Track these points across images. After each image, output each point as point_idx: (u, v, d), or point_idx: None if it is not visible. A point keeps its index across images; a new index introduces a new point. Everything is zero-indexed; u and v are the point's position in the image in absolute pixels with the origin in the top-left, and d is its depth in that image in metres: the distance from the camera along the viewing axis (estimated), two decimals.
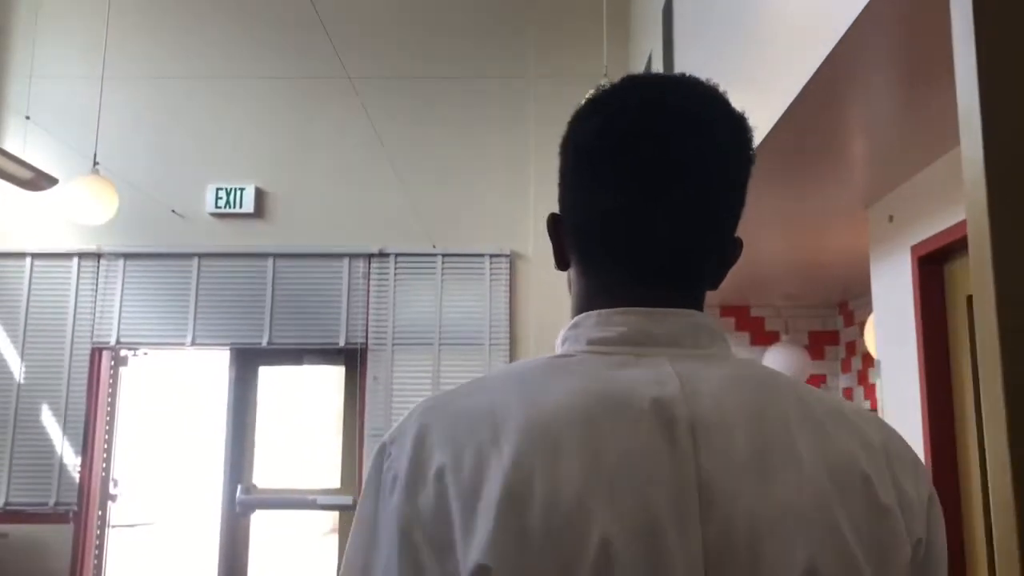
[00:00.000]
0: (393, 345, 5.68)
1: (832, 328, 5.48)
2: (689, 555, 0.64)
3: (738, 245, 0.83)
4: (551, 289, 5.56)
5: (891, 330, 3.00)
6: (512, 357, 5.63)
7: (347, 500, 5.62)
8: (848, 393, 5.27)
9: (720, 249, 0.81)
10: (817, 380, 5.38)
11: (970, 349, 2.57)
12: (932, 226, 2.72)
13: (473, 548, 0.63)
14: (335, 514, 5.90)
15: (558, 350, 0.79)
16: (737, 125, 0.82)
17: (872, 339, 3.45)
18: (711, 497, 0.66)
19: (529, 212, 5.78)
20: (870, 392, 4.92)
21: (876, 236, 3.12)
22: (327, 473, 5.82)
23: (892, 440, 0.74)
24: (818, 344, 5.43)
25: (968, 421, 2.58)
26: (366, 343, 5.68)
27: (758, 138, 2.68)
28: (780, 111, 2.40)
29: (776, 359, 5.05)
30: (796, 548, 0.65)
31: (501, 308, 5.68)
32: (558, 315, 5.59)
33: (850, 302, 5.25)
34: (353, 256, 5.76)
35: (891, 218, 2.99)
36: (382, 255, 5.76)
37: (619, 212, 0.77)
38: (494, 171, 5.86)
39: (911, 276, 2.81)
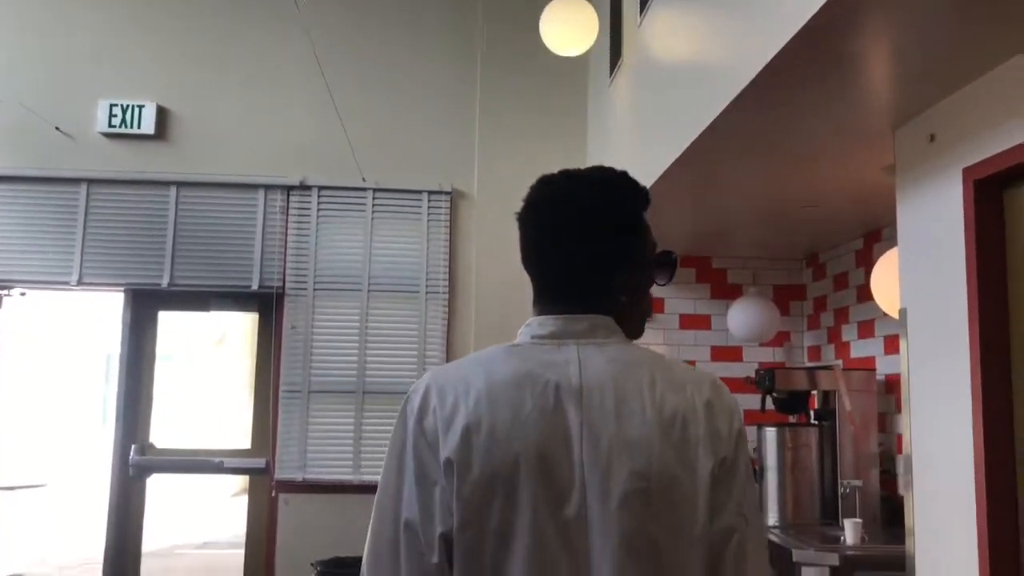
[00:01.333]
0: (314, 290, 5.05)
1: (799, 282, 5.07)
2: (571, 464, 1.15)
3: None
4: (495, 232, 4.99)
5: (926, 272, 2.53)
6: (451, 305, 5.06)
7: (259, 463, 4.98)
8: (815, 352, 4.87)
9: (615, 271, 1.29)
10: (781, 337, 4.97)
11: None
12: (991, 145, 2.25)
13: (446, 449, 1.15)
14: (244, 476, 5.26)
15: (517, 339, 1.28)
16: (620, 188, 1.33)
17: (885, 286, 2.99)
18: (589, 431, 1.17)
19: (474, 146, 5.18)
20: (843, 350, 4.52)
21: (910, 159, 2.64)
22: (236, 433, 5.17)
23: (716, 397, 1.23)
24: (783, 299, 5.00)
25: None
26: (283, 287, 5.04)
27: (760, 63, 2.03)
28: (792, 32, 2.10)
29: (743, 314, 4.61)
30: (633, 459, 1.15)
31: (440, 251, 5.09)
32: (502, 260, 5.04)
33: (821, 254, 4.84)
34: (270, 187, 5.08)
35: (932, 137, 2.51)
36: (304, 187, 5.10)
37: (540, 258, 1.31)
38: (437, 97, 5.22)
39: (962, 205, 2.33)
